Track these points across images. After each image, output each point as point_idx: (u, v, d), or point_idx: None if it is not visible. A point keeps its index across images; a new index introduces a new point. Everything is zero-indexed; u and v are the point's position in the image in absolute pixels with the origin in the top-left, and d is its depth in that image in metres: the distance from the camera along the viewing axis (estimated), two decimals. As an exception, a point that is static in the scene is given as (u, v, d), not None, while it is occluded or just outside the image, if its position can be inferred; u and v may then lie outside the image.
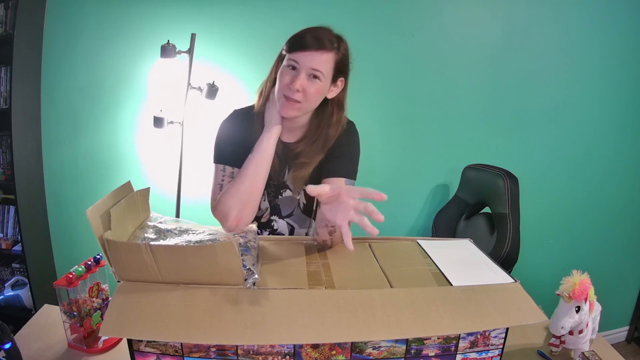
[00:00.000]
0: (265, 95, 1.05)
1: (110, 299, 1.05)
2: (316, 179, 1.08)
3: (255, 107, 1.07)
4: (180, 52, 1.67)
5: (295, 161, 1.07)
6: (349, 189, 0.78)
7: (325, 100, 1.04)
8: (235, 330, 0.66)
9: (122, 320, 0.67)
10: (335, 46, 0.96)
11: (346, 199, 0.76)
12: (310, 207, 1.14)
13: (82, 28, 1.82)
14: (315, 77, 0.95)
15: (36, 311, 1.09)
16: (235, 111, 1.12)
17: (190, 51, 1.67)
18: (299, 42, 0.95)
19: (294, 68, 0.96)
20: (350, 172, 1.06)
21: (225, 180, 1.05)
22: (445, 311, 0.72)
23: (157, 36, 1.72)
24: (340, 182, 1.03)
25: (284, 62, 0.98)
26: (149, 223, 0.91)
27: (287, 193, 1.12)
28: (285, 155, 1.09)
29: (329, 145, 1.05)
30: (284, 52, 0.99)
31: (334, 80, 1.00)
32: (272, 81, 1.04)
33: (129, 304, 0.70)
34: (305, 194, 1.12)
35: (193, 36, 1.67)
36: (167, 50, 1.64)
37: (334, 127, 1.05)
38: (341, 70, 1.00)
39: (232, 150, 1.05)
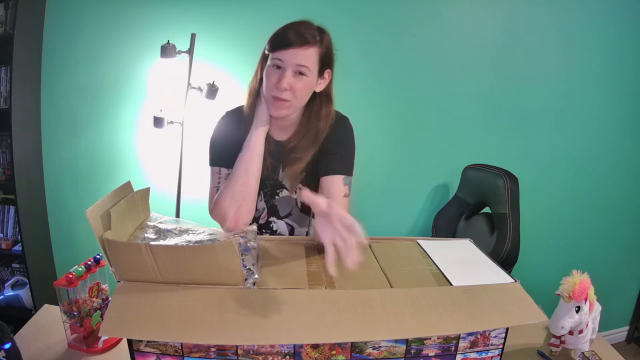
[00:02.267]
0: (254, 94, 1.05)
1: (110, 299, 1.05)
2: (313, 178, 1.08)
3: (245, 106, 1.07)
4: (180, 52, 1.67)
5: (289, 157, 1.07)
6: (341, 214, 0.71)
7: (314, 93, 1.03)
8: (235, 330, 0.66)
9: (122, 320, 0.67)
10: (317, 39, 0.95)
11: (336, 224, 0.69)
12: (308, 206, 1.13)
13: (82, 28, 1.82)
14: (301, 73, 0.94)
15: (36, 311, 1.09)
16: (227, 112, 1.12)
17: (190, 51, 1.67)
18: (281, 40, 0.94)
19: (279, 67, 0.95)
20: (346, 168, 1.05)
21: (221, 183, 1.05)
22: (445, 311, 0.72)
23: (157, 36, 1.72)
24: (338, 180, 1.02)
25: (269, 62, 0.97)
26: (149, 223, 0.91)
27: (284, 193, 1.12)
28: (278, 153, 1.08)
29: (321, 139, 1.04)
30: (266, 52, 0.98)
31: (321, 73, 1.00)
32: (258, 80, 1.03)
33: (129, 304, 0.70)
34: None
35: (193, 36, 1.67)
36: (167, 50, 1.64)
37: (324, 120, 1.04)
38: (326, 62, 1.00)
39: (226, 152, 1.05)
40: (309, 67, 0.94)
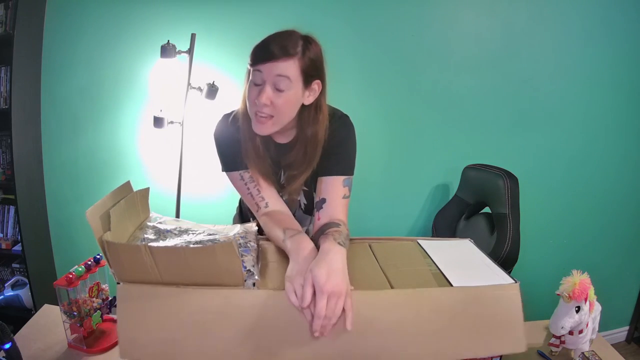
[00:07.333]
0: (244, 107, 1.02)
1: (109, 299, 1.05)
2: (314, 181, 1.07)
3: (240, 109, 1.03)
4: (180, 52, 1.67)
5: (287, 173, 1.05)
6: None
7: (303, 106, 0.98)
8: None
9: (136, 341, 0.69)
10: (298, 50, 0.91)
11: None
12: (311, 206, 1.13)
13: (82, 28, 1.82)
14: (281, 87, 0.90)
15: (36, 311, 1.10)
16: (226, 115, 1.08)
17: (190, 51, 1.67)
18: (260, 53, 0.91)
19: (258, 82, 0.92)
20: (346, 169, 1.03)
21: (250, 187, 1.03)
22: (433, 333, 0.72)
23: (157, 36, 1.72)
24: (336, 182, 1.01)
25: (250, 77, 0.94)
26: (149, 223, 0.91)
27: (287, 196, 1.11)
28: (278, 158, 1.06)
29: (314, 156, 1.01)
30: (249, 66, 0.94)
31: (308, 84, 0.94)
32: (243, 97, 1.00)
33: (139, 316, 0.71)
34: (305, 194, 1.11)
35: (193, 36, 1.67)
36: (167, 50, 1.63)
37: (311, 140, 1.00)
38: (313, 73, 0.94)
39: (240, 154, 1.02)
40: (290, 78, 0.90)
